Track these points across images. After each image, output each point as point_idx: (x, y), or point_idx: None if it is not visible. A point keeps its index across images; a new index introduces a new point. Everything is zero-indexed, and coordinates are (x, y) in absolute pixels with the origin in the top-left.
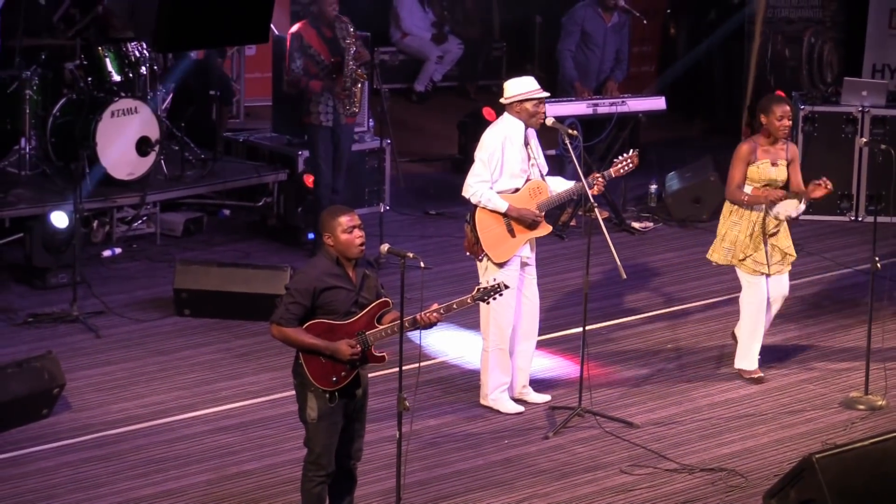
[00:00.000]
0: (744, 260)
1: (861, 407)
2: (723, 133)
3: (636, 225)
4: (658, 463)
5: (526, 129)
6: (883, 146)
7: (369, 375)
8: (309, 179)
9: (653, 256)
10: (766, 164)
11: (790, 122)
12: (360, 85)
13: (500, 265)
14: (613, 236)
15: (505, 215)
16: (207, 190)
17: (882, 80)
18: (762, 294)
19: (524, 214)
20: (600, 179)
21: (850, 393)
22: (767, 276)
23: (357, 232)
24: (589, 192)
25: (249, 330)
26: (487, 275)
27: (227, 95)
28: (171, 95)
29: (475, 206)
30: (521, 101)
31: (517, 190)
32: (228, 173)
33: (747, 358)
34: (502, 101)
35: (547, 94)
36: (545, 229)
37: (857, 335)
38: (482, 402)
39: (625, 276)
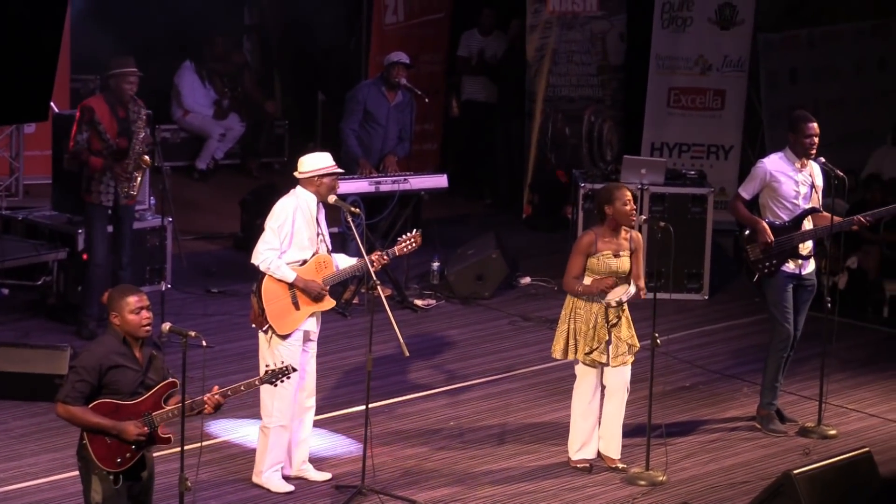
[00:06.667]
0: (589, 353)
1: (642, 483)
2: (505, 211)
3: (419, 302)
4: None
5: (318, 202)
6: (662, 223)
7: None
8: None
9: (435, 334)
10: (609, 256)
11: (634, 206)
12: (142, 171)
13: (284, 337)
14: (396, 314)
15: (292, 286)
16: None
17: (660, 158)
18: (594, 385)
19: (311, 286)
20: (385, 258)
21: (631, 469)
22: (606, 366)
23: (144, 313)
24: (371, 270)
25: (28, 410)
26: (271, 347)
27: None
28: None
29: (262, 277)
30: (322, 176)
31: (305, 262)
32: (7, 251)
33: (573, 448)
34: (297, 174)
35: (342, 171)
36: (329, 303)
37: (638, 410)
38: (254, 479)
39: (407, 354)
